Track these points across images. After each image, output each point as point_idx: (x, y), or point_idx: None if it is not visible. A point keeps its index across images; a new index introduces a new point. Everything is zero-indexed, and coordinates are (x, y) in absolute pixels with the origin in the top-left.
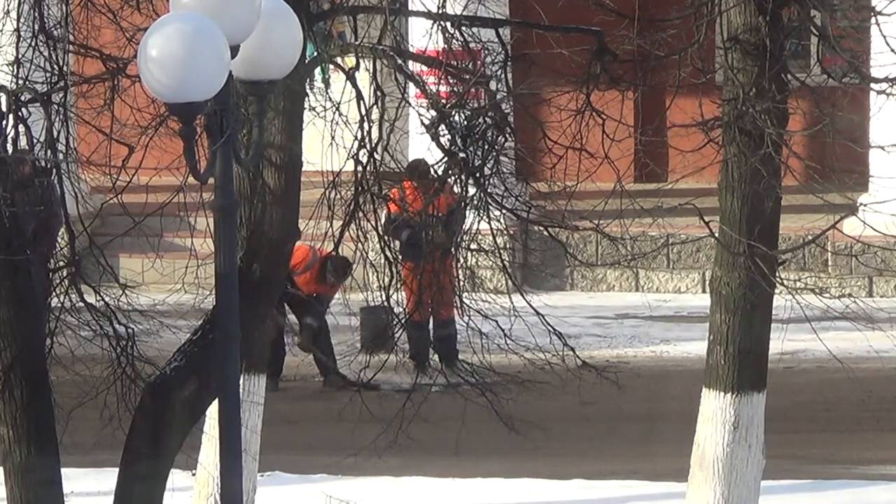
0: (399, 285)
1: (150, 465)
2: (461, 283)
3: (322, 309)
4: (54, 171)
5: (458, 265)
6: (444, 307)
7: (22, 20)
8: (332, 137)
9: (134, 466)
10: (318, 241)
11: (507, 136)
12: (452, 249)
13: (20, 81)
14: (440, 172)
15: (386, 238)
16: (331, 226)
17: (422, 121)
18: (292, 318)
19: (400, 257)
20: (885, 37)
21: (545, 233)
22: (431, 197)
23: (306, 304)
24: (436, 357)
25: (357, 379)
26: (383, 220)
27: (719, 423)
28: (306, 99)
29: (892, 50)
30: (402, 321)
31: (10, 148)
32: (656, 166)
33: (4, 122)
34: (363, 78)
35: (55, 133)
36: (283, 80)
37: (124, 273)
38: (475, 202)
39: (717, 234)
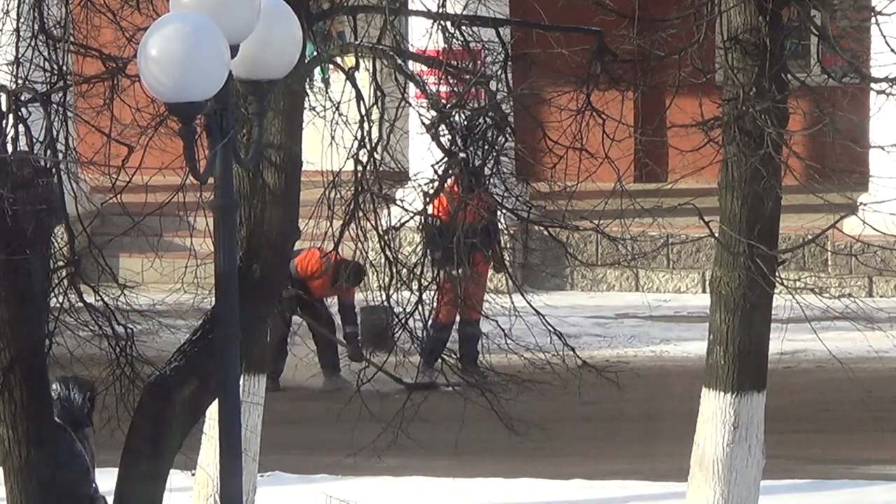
0: (400, 285)
1: (149, 465)
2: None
3: (353, 316)
4: (53, 170)
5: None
6: (474, 309)
7: (22, 20)
8: (332, 137)
9: (134, 466)
10: (317, 241)
11: (508, 136)
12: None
13: (20, 81)
14: (440, 172)
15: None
16: (331, 226)
17: (422, 121)
18: (296, 318)
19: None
20: (885, 37)
21: (545, 233)
22: (432, 197)
23: (332, 314)
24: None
25: (357, 379)
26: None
27: (719, 423)
28: (306, 99)
29: (892, 50)
30: (403, 322)
31: (10, 148)
32: (656, 166)
33: (4, 122)
34: (363, 78)
35: (55, 133)
36: (282, 79)
37: (124, 273)
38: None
39: (717, 234)
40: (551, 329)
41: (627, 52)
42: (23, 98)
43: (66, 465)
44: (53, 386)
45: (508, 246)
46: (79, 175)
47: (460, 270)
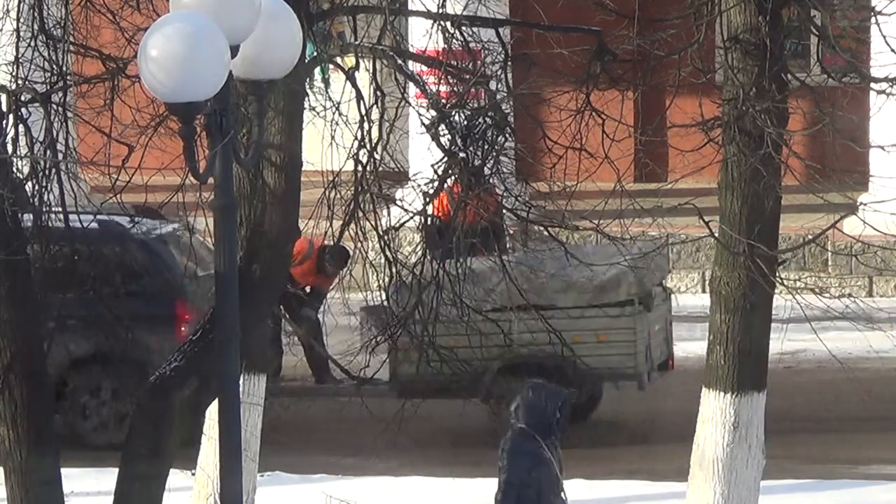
0: (399, 285)
1: (149, 465)
2: (461, 285)
3: (318, 303)
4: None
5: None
6: None
7: (22, 20)
8: (332, 137)
9: (133, 466)
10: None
11: (507, 136)
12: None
13: (20, 81)
14: (440, 172)
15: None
16: (331, 226)
17: (422, 121)
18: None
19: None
20: (885, 37)
21: (545, 233)
22: (432, 197)
23: (301, 298)
24: None
25: (357, 373)
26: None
27: (719, 423)
28: (306, 99)
29: (893, 50)
30: (402, 322)
31: (10, 148)
32: (656, 166)
33: (4, 122)
34: (363, 78)
35: (55, 133)
36: (282, 79)
37: None
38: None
39: (717, 234)
40: (551, 329)
41: (627, 52)
42: (23, 98)
43: (535, 472)
44: (523, 393)
45: (509, 246)
46: (79, 175)
47: (458, 269)
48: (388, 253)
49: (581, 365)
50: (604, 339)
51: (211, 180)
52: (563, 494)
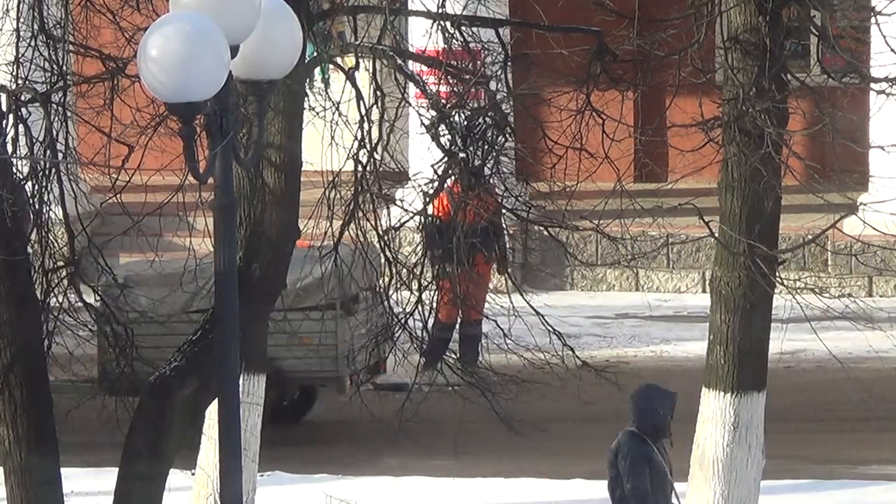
0: (400, 286)
1: (149, 464)
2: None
3: None
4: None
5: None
6: (474, 309)
7: (22, 20)
8: (332, 137)
9: (133, 466)
10: (318, 241)
11: (507, 136)
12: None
13: (20, 81)
14: (440, 172)
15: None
16: (331, 226)
17: (422, 121)
18: None
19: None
20: (885, 37)
21: (545, 233)
22: (432, 197)
23: None
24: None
25: (357, 379)
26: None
27: (719, 423)
28: (306, 99)
29: (892, 50)
30: (402, 322)
31: (10, 148)
32: (656, 166)
33: (4, 122)
34: (363, 78)
35: (55, 133)
36: (282, 80)
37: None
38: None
39: (717, 234)
40: (551, 329)
41: (627, 52)
42: (23, 98)
43: (640, 473)
44: (634, 395)
45: (509, 246)
46: (79, 175)
47: (458, 269)
48: (388, 253)
49: (282, 367)
50: (308, 343)
51: (211, 180)
52: (674, 495)
